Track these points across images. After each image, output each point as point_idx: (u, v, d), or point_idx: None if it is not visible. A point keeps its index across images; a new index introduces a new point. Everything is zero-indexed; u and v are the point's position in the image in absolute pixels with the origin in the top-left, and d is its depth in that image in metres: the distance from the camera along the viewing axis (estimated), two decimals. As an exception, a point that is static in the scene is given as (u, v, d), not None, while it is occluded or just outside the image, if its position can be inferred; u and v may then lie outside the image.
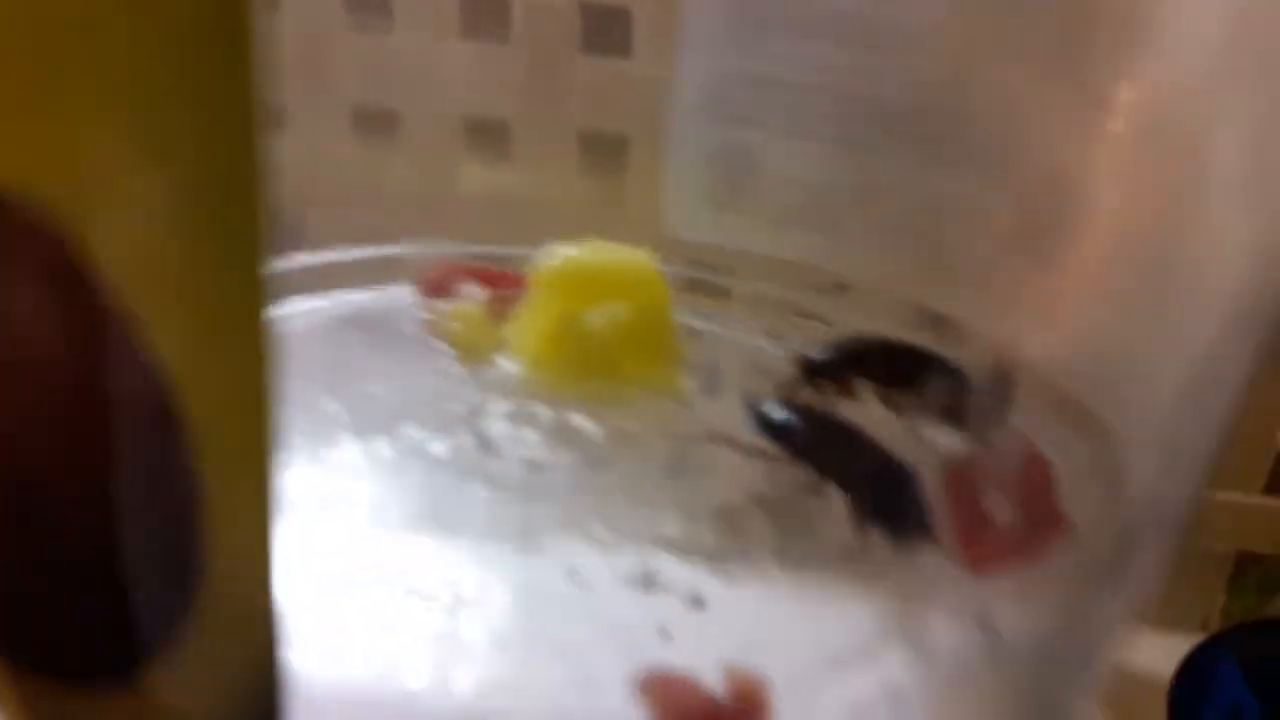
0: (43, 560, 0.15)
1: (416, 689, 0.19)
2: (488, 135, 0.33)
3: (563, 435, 0.24)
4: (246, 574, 0.14)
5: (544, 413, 0.25)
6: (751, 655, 0.19)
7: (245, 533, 0.14)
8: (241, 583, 0.14)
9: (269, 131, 0.12)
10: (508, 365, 0.27)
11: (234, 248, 0.12)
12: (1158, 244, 0.22)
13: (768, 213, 0.32)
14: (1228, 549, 0.51)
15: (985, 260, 0.27)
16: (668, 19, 0.32)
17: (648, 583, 0.21)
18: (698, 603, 0.21)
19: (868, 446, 0.23)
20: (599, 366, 0.26)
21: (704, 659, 0.19)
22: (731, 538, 0.22)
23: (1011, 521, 0.23)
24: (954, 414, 0.25)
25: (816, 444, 0.23)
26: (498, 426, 0.25)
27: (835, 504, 0.23)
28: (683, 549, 0.22)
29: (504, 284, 0.29)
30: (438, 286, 0.28)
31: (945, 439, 0.25)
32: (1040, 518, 0.23)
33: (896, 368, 0.26)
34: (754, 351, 0.30)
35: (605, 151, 0.33)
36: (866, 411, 0.26)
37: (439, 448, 0.24)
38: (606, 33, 0.32)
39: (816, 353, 0.26)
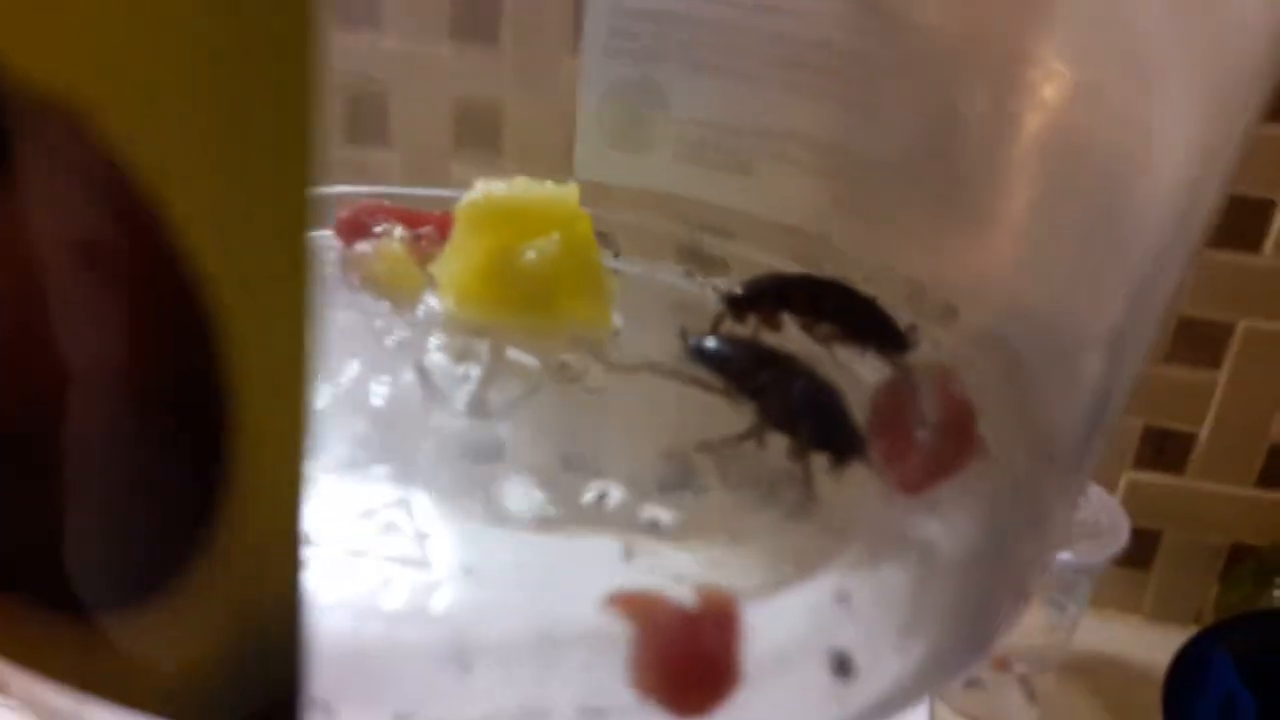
0: (61, 467, 0.16)
1: (393, 612, 0.20)
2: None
3: (502, 369, 0.26)
4: (274, 491, 0.15)
5: (480, 348, 0.26)
6: (709, 576, 0.21)
7: (275, 448, 0.15)
8: (269, 500, 0.15)
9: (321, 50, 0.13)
10: (435, 303, 0.28)
11: (278, 159, 0.13)
12: (1098, 160, 0.24)
13: (670, 151, 0.34)
14: (1221, 541, 0.55)
15: (899, 196, 0.29)
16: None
17: (603, 512, 0.23)
18: (654, 527, 0.22)
19: (800, 371, 0.25)
20: (532, 301, 0.27)
21: (664, 578, 0.21)
22: (678, 467, 0.24)
23: (932, 443, 0.26)
24: (871, 342, 0.28)
25: (752, 371, 0.25)
26: (437, 362, 0.26)
27: (773, 430, 0.25)
28: (634, 477, 0.23)
29: (421, 223, 0.30)
30: (354, 228, 0.29)
31: (866, 366, 0.28)
32: (958, 439, 0.26)
33: (817, 300, 0.28)
34: (668, 288, 0.32)
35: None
36: (790, 342, 0.28)
37: (381, 387, 0.25)
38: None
39: (741, 287, 0.28)
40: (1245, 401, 0.53)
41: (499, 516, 0.22)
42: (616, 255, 0.33)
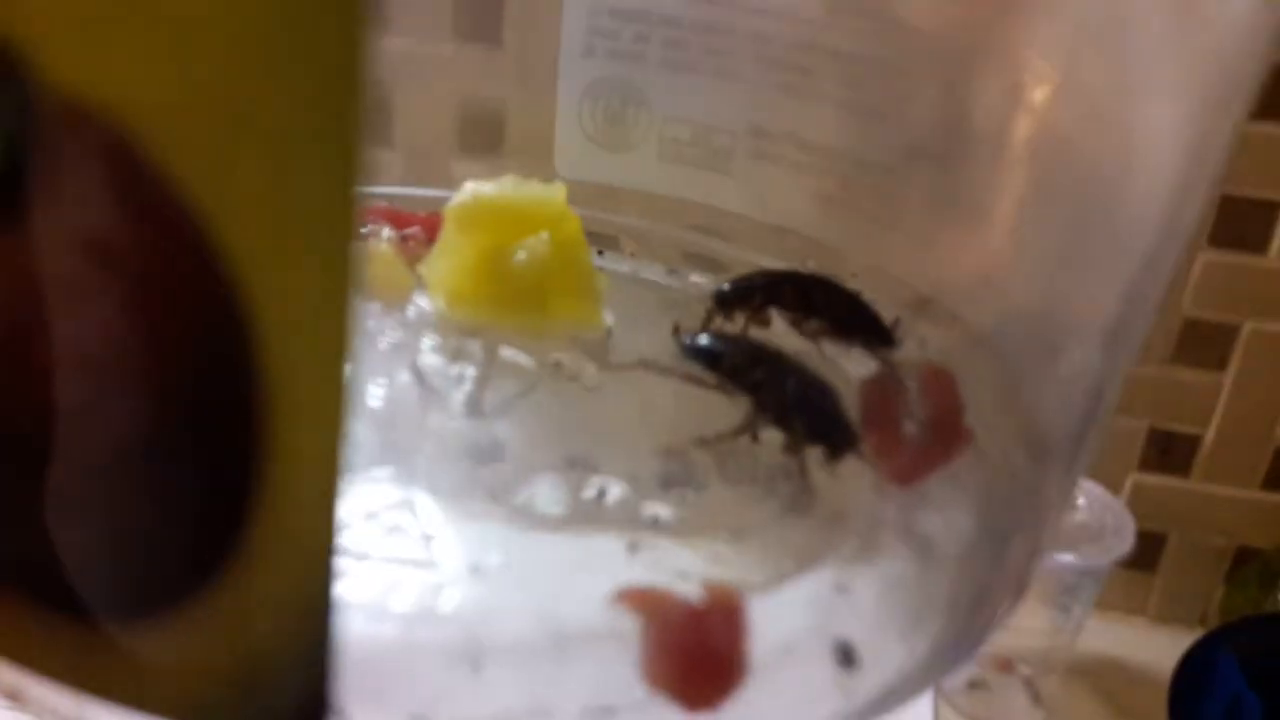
0: (91, 466, 0.17)
1: (402, 613, 0.21)
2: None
3: (497, 369, 0.27)
4: (309, 501, 0.16)
5: (474, 348, 0.28)
6: (712, 570, 0.22)
7: (310, 445, 0.15)
8: (303, 510, 0.16)
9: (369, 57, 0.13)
10: (425, 304, 0.29)
11: (324, 168, 0.14)
12: (1086, 159, 0.26)
13: (652, 150, 0.35)
14: (1227, 543, 0.56)
15: (886, 195, 0.31)
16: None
17: (604, 509, 0.24)
18: (655, 523, 0.24)
19: (793, 367, 0.27)
20: (523, 301, 0.28)
21: (668, 574, 0.22)
22: (677, 464, 0.25)
23: (921, 435, 0.27)
24: (858, 337, 0.29)
25: (745, 367, 0.27)
26: (432, 360, 0.27)
27: (768, 424, 0.26)
28: (634, 474, 0.25)
29: (408, 223, 0.31)
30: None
31: (852, 361, 0.29)
32: (946, 431, 0.27)
33: (805, 296, 0.29)
34: (656, 286, 0.34)
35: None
36: (779, 338, 0.29)
37: (377, 388, 0.26)
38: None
39: (728, 285, 0.30)
40: (1251, 403, 0.54)
41: (503, 515, 0.23)
42: (601, 253, 0.34)
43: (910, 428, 0.27)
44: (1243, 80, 0.23)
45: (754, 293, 0.29)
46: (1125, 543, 0.50)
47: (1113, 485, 0.55)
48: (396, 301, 0.29)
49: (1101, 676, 0.54)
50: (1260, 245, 0.51)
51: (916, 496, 0.26)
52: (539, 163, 0.36)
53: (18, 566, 0.18)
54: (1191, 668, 0.48)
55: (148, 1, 0.14)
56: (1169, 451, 0.56)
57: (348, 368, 0.15)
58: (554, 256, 0.28)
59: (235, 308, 0.15)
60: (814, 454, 0.25)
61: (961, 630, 0.24)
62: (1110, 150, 0.26)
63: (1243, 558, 0.57)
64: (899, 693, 0.23)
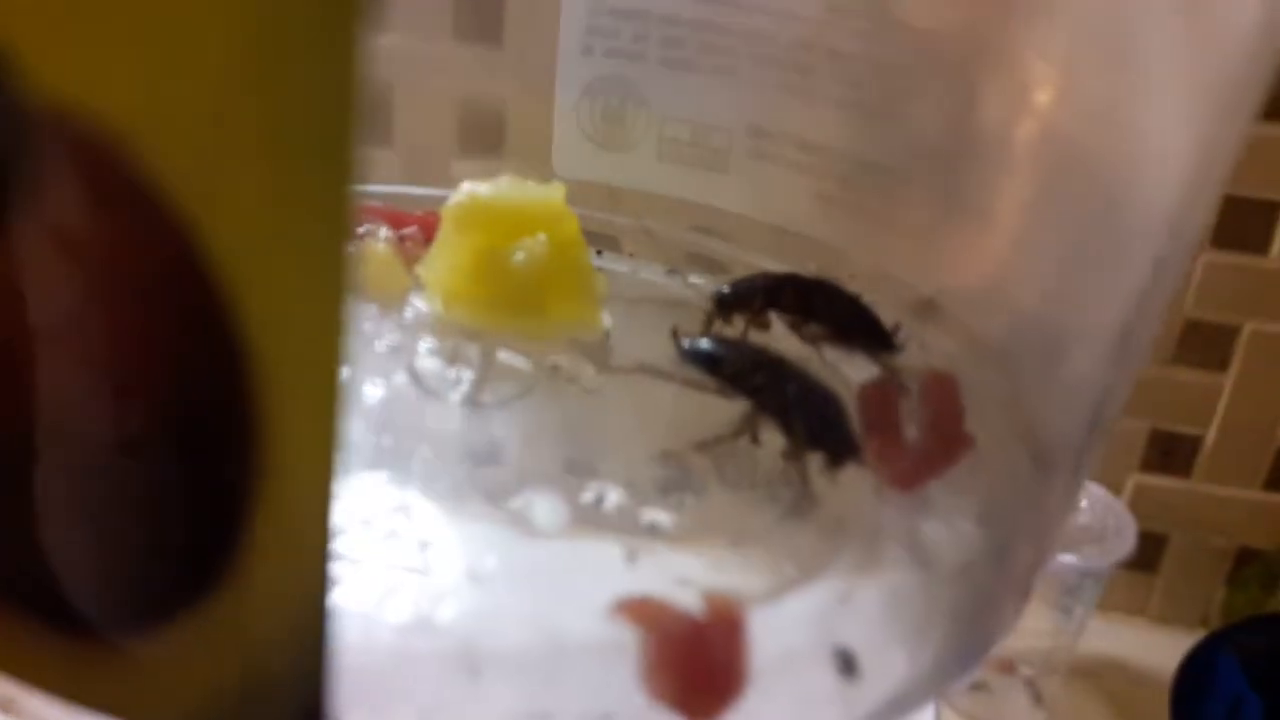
0: (81, 485, 0.16)
1: (398, 624, 0.21)
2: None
3: (495, 372, 0.27)
4: (301, 509, 0.16)
5: (471, 351, 0.27)
6: (711, 578, 0.22)
7: (305, 453, 0.15)
8: (295, 518, 0.16)
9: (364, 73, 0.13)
10: (422, 305, 0.29)
11: (318, 183, 0.14)
12: (1092, 163, 0.26)
13: (651, 149, 0.35)
14: (1228, 544, 0.56)
15: (887, 196, 0.31)
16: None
17: (602, 516, 0.24)
18: (654, 530, 0.24)
19: (794, 372, 0.26)
20: (521, 302, 0.28)
21: (668, 581, 0.22)
22: (676, 468, 0.25)
23: (922, 440, 0.27)
24: (859, 341, 0.29)
25: (746, 372, 0.26)
26: (429, 364, 0.27)
27: (768, 433, 0.26)
28: (633, 479, 0.24)
29: (405, 223, 0.31)
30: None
31: (852, 366, 0.29)
32: (948, 436, 0.27)
33: (806, 299, 0.29)
34: (655, 286, 0.33)
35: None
36: (779, 341, 0.29)
37: (374, 388, 0.26)
38: None
39: (728, 287, 0.30)
40: (1252, 404, 0.54)
41: (501, 520, 0.23)
42: (600, 253, 0.34)
43: (911, 433, 0.27)
44: (1252, 84, 0.22)
45: (754, 295, 0.29)
46: (1127, 544, 0.49)
47: (1114, 486, 0.55)
48: (393, 302, 0.29)
49: (1103, 677, 0.54)
50: (1262, 246, 0.51)
51: (918, 502, 0.25)
52: (538, 162, 0.35)
53: (10, 578, 0.18)
54: (1193, 669, 0.48)
55: (136, 8, 0.13)
56: (1170, 452, 0.56)
57: (342, 373, 0.15)
58: (552, 258, 0.28)
59: (226, 315, 0.15)
60: (814, 460, 0.25)
61: (965, 639, 0.24)
62: (1117, 154, 0.25)
63: (1244, 559, 0.57)
64: (902, 703, 0.22)
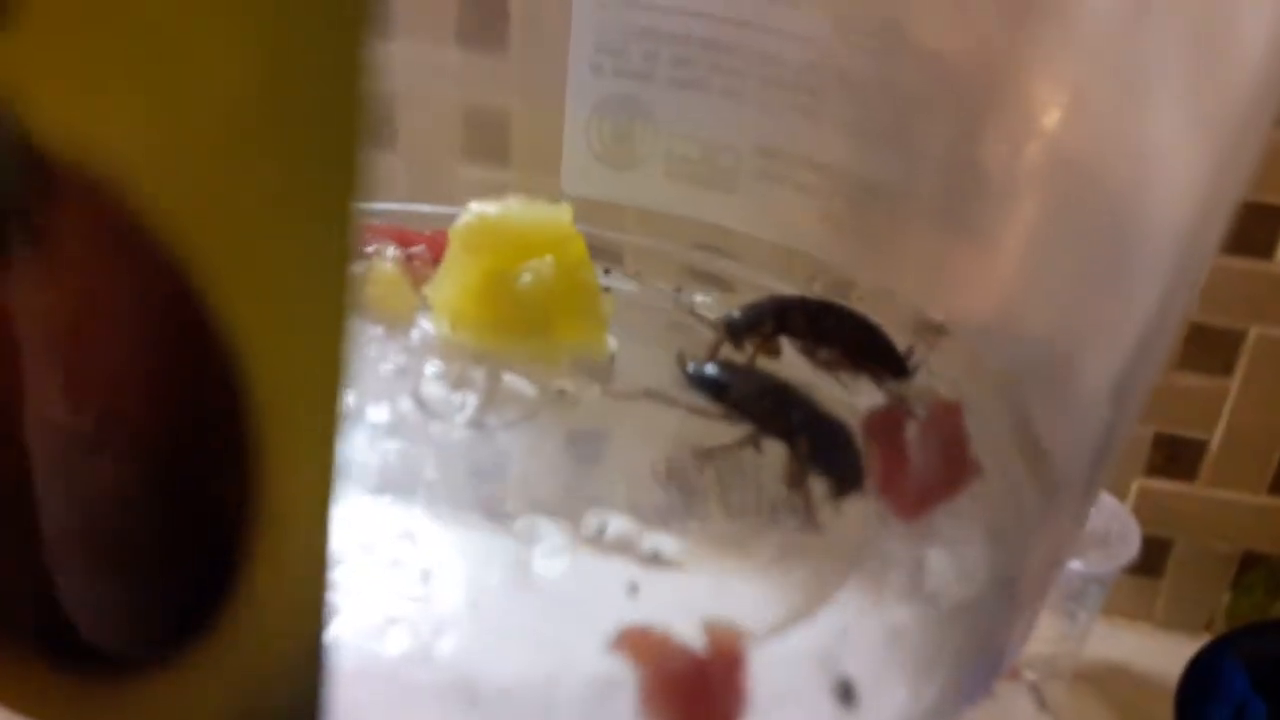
0: (82, 522, 0.16)
1: (398, 654, 0.21)
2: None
3: (500, 396, 0.27)
4: (300, 541, 0.15)
5: (477, 375, 0.27)
6: (713, 607, 0.22)
7: (303, 489, 0.15)
8: (294, 551, 0.16)
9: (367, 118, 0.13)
10: (428, 326, 0.29)
11: (319, 227, 0.14)
12: (1102, 187, 0.25)
13: (659, 168, 0.35)
14: (1233, 549, 0.56)
15: (895, 217, 0.31)
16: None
17: (605, 543, 0.24)
18: (656, 557, 0.23)
19: (800, 400, 0.26)
20: (528, 324, 0.28)
21: (669, 613, 0.22)
22: (680, 496, 0.25)
23: (927, 467, 0.27)
24: (872, 367, 0.29)
25: (752, 399, 0.26)
26: (434, 389, 0.27)
27: (772, 458, 0.26)
28: (636, 506, 0.24)
29: (413, 242, 0.30)
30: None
31: (864, 390, 0.29)
32: (953, 463, 0.27)
33: (817, 323, 0.29)
34: (661, 305, 0.33)
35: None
36: (789, 368, 0.29)
37: (378, 413, 0.26)
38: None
39: (739, 312, 0.29)
40: (1257, 409, 0.53)
41: (503, 548, 0.23)
42: (608, 271, 0.34)
43: (916, 460, 0.27)
44: (1263, 108, 0.22)
45: (764, 319, 0.29)
46: (1131, 549, 0.49)
47: (1118, 491, 0.55)
48: (401, 322, 0.29)
49: (1108, 682, 0.54)
50: (1267, 250, 0.51)
51: (923, 529, 0.25)
52: (545, 175, 0.35)
53: (11, 614, 0.18)
54: (1198, 673, 0.48)
55: (137, 55, 0.13)
56: (1175, 457, 0.56)
57: (342, 404, 0.15)
58: (559, 280, 0.28)
59: (225, 358, 0.15)
60: (818, 486, 0.25)
61: (970, 667, 0.24)
62: (1127, 178, 0.25)
63: (1249, 563, 0.56)
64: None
